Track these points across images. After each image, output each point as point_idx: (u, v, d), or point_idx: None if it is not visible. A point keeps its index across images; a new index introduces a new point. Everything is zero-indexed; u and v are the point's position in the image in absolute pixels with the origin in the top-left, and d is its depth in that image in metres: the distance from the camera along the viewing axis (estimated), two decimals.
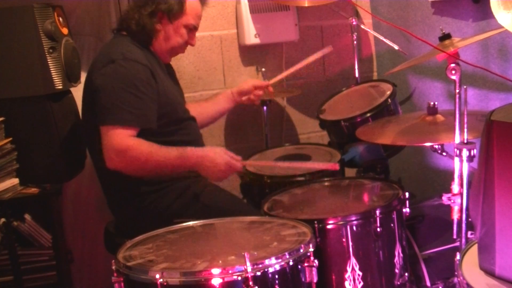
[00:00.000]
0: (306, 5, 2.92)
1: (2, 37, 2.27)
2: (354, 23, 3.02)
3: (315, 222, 1.87)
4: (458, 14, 2.77)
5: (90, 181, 2.80)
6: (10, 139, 2.33)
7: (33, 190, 2.38)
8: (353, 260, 1.89)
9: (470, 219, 1.73)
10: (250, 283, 1.49)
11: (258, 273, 1.52)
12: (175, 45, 2.31)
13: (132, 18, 2.24)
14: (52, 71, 2.30)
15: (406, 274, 2.02)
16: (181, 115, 2.30)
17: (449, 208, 2.04)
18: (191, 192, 2.26)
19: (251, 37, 3.09)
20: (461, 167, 1.87)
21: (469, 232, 1.91)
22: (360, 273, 1.90)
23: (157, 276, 1.51)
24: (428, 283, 2.25)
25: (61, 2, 2.51)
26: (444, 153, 2.12)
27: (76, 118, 2.53)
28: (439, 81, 2.98)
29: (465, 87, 1.75)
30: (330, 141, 2.88)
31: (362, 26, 3.16)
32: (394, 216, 1.98)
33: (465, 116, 1.75)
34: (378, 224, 1.90)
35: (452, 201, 2.02)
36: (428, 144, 2.11)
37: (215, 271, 1.50)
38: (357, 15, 3.36)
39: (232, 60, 3.18)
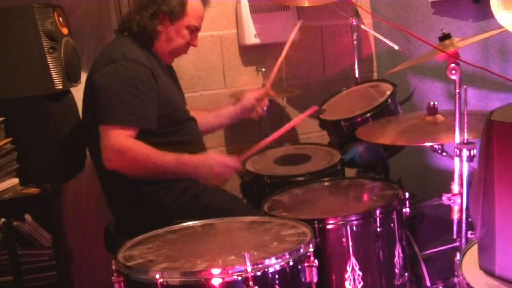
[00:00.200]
0: (306, 5, 2.91)
1: (2, 37, 2.27)
2: (354, 23, 3.03)
3: (315, 222, 1.87)
4: (458, 14, 2.77)
5: (90, 181, 2.81)
6: (10, 139, 2.33)
7: (33, 190, 2.38)
8: (353, 260, 1.89)
9: (470, 219, 1.74)
10: (250, 283, 1.49)
11: (258, 273, 1.52)
12: (177, 46, 2.31)
13: (134, 20, 2.24)
14: (52, 71, 2.30)
15: (406, 274, 2.02)
16: (181, 116, 2.30)
17: (449, 208, 2.04)
18: (191, 192, 2.26)
19: (251, 37, 3.09)
20: (461, 167, 1.87)
21: (469, 232, 1.91)
22: (360, 273, 1.90)
23: (157, 276, 1.51)
24: (428, 283, 2.25)
25: (61, 2, 2.51)
26: (444, 153, 2.12)
27: (76, 118, 2.53)
28: (439, 81, 2.98)
29: (465, 87, 1.75)
30: (330, 141, 2.88)
31: (362, 26, 3.16)
32: (394, 216, 1.98)
33: (465, 116, 1.75)
34: (378, 224, 1.90)
35: (452, 201, 2.02)
36: (428, 144, 2.11)
37: (215, 271, 1.50)
38: (357, 15, 3.36)
39: (232, 60, 3.19)
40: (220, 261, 1.58)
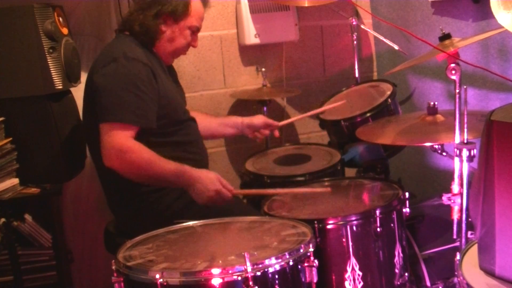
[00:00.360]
0: (306, 5, 2.92)
1: (2, 37, 2.27)
2: (354, 23, 3.03)
3: (315, 222, 1.87)
4: (458, 14, 2.77)
5: (90, 181, 2.81)
6: (10, 139, 2.33)
7: (33, 190, 2.38)
8: (353, 260, 1.89)
9: (470, 219, 1.74)
10: (250, 283, 1.49)
11: (258, 273, 1.52)
12: (179, 47, 2.31)
13: (136, 20, 2.23)
14: (52, 71, 2.30)
15: (406, 274, 2.02)
16: (181, 116, 2.30)
17: (449, 208, 2.04)
18: None
19: (251, 37, 3.09)
20: (461, 167, 1.87)
21: (469, 232, 1.90)
22: (360, 273, 1.90)
23: (157, 276, 1.51)
24: (428, 283, 2.25)
25: (61, 2, 2.52)
26: (444, 153, 2.11)
27: (76, 118, 2.53)
28: (439, 81, 2.98)
29: (465, 87, 1.75)
30: (330, 141, 2.88)
31: (362, 26, 3.16)
32: (394, 216, 1.98)
33: (465, 116, 1.75)
34: (378, 224, 1.90)
35: (452, 201, 2.02)
36: (428, 144, 2.11)
37: (215, 271, 1.50)
38: (357, 15, 3.36)
39: (232, 60, 3.19)
40: (220, 261, 1.58)
